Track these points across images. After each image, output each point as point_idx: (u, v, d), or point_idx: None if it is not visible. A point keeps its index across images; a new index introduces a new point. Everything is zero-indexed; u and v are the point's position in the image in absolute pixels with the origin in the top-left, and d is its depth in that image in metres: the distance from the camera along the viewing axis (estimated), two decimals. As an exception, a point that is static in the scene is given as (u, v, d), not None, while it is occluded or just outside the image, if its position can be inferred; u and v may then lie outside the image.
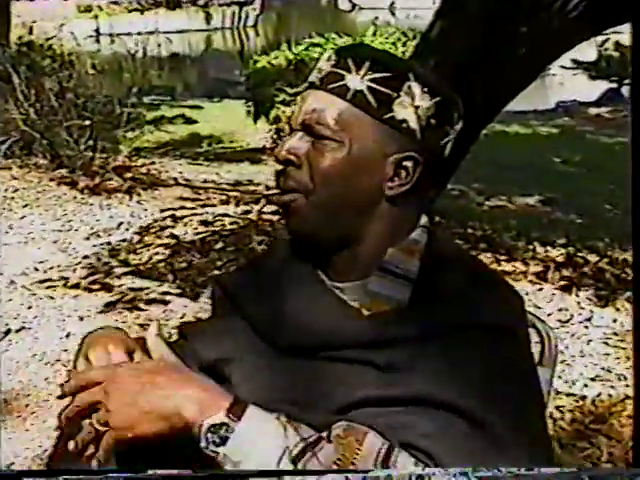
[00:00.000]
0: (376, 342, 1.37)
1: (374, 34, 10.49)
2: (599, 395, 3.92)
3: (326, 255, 1.46)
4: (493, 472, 1.30)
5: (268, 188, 7.54)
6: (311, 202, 1.42)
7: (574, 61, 14.94)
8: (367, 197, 1.41)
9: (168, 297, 5.06)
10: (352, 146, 1.39)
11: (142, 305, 4.96)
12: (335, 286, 1.45)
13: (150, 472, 1.37)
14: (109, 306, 4.93)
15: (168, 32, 21.68)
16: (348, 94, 1.39)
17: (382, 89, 1.38)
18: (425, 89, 1.39)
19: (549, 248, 5.88)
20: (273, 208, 6.58)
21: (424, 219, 1.48)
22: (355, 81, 1.39)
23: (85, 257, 5.75)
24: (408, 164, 1.40)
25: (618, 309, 4.79)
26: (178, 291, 5.14)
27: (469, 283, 1.42)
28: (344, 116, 1.39)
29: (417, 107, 1.38)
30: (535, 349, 1.67)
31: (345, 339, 1.39)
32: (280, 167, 1.46)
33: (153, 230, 6.28)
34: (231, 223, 6.33)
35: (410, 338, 1.37)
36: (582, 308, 4.91)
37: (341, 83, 1.40)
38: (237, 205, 6.88)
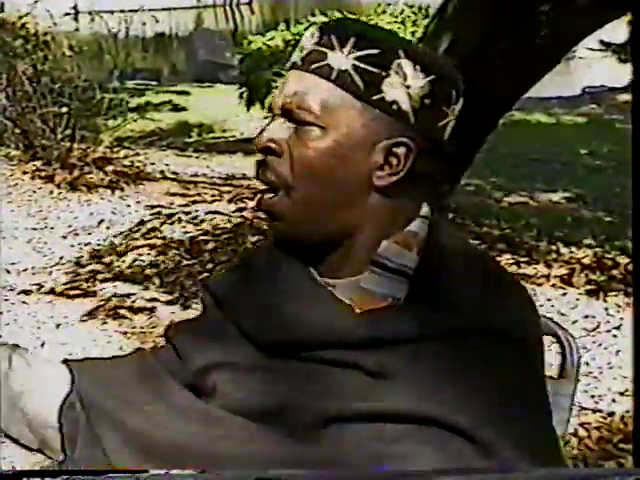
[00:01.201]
0: (367, 342, 1.37)
1: (382, 12, 10.51)
2: (628, 411, 3.93)
3: (315, 251, 1.46)
4: (494, 474, 1.31)
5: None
6: (293, 200, 1.41)
7: (602, 42, 14.94)
8: (354, 189, 1.40)
9: (154, 303, 5.07)
10: (337, 132, 1.38)
11: (125, 312, 4.97)
12: (327, 283, 1.45)
13: (150, 472, 1.40)
14: (89, 313, 4.95)
15: (154, 9, 21.66)
16: (332, 74, 1.37)
17: (369, 68, 1.36)
18: (417, 67, 1.37)
19: (574, 249, 5.89)
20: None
21: (425, 209, 1.46)
22: (339, 59, 1.37)
23: (62, 258, 5.77)
24: (399, 151, 1.38)
25: (650, 316, 4.81)
26: (165, 297, 5.15)
27: (474, 282, 1.42)
28: (328, 99, 1.38)
29: (408, 87, 1.36)
30: (556, 360, 1.67)
31: (335, 337, 1.39)
32: (260, 156, 1.44)
33: (137, 229, 6.30)
34: (223, 221, 6.34)
35: (404, 340, 1.36)
36: (610, 315, 4.92)
37: (324, 62, 1.38)
38: (230, 201, 6.90)
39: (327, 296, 1.44)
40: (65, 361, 1.58)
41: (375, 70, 1.36)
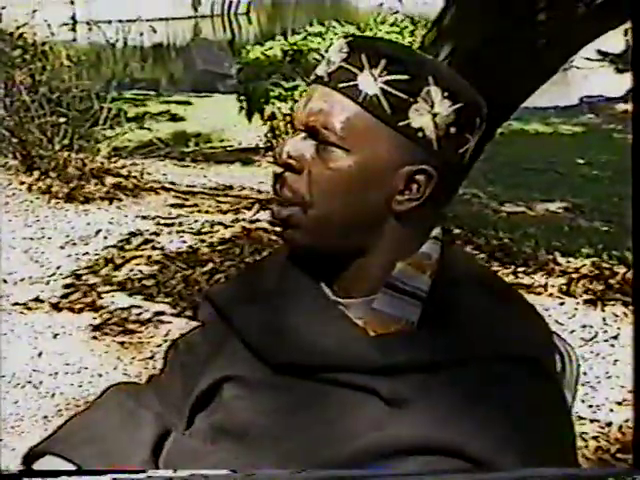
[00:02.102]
0: (381, 368, 1.36)
1: (380, 22, 10.52)
2: (626, 421, 3.93)
3: (328, 268, 1.45)
4: (497, 474, 1.30)
5: (262, 192, 7.55)
6: (309, 217, 1.40)
7: (600, 52, 14.98)
8: (372, 212, 1.39)
9: (152, 314, 5.07)
10: (360, 156, 1.36)
11: (123, 323, 4.96)
12: (339, 302, 1.44)
13: (150, 472, 1.39)
14: (87, 323, 4.94)
15: (151, 20, 21.70)
16: (360, 97, 1.36)
17: (398, 93, 1.35)
18: (446, 94, 1.36)
19: (572, 259, 5.89)
20: (268, 215, 6.59)
21: (436, 230, 1.45)
22: (368, 82, 1.36)
23: (59, 268, 5.76)
24: (421, 178, 1.37)
25: (648, 326, 4.80)
26: (163, 307, 5.15)
27: (488, 305, 1.41)
28: (353, 121, 1.36)
29: (435, 115, 1.35)
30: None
31: (348, 360, 1.38)
32: (279, 170, 1.43)
33: (135, 239, 6.29)
34: (222, 231, 6.34)
35: (417, 366, 1.35)
36: (608, 325, 4.92)
37: (353, 83, 1.37)
38: (228, 211, 6.89)
39: (340, 316, 1.43)
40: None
41: (404, 96, 1.35)
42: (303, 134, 1.41)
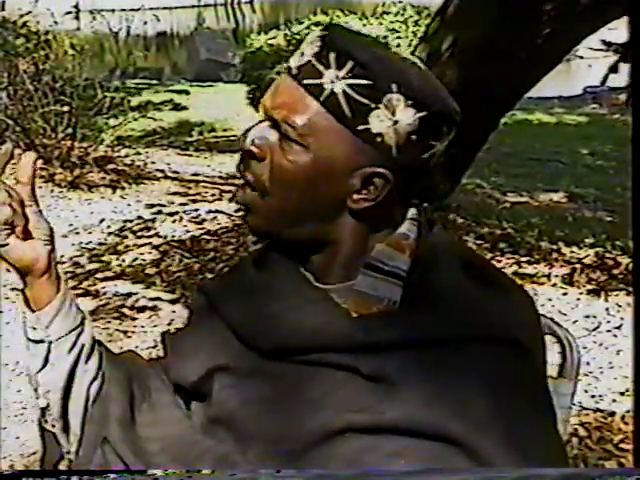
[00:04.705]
0: (363, 346, 1.37)
1: (385, 12, 10.51)
2: (629, 411, 3.93)
3: (303, 256, 1.47)
4: (498, 472, 1.30)
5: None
6: (266, 203, 1.42)
7: (604, 42, 14.92)
8: (328, 207, 1.41)
9: (155, 302, 5.07)
10: (317, 154, 1.37)
11: (126, 311, 4.97)
12: (321, 287, 1.46)
13: (150, 472, 1.40)
14: (90, 312, 4.94)
15: (155, 8, 21.69)
16: (322, 94, 1.36)
17: (359, 98, 1.35)
18: (410, 102, 1.35)
19: (575, 249, 5.89)
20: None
21: (412, 211, 1.47)
22: (332, 82, 1.36)
23: (62, 257, 5.76)
24: (377, 180, 1.38)
25: (652, 316, 4.80)
26: (166, 296, 5.15)
27: (469, 283, 1.42)
28: (314, 120, 1.37)
29: (396, 122, 1.35)
30: (556, 360, 1.67)
31: (332, 340, 1.40)
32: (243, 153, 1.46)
33: (138, 228, 6.30)
34: (224, 220, 6.34)
35: (399, 344, 1.36)
36: (611, 315, 4.92)
37: (317, 81, 1.37)
38: (231, 200, 6.89)
39: (323, 298, 1.44)
40: None
41: (365, 101, 1.35)
42: (268, 122, 1.42)
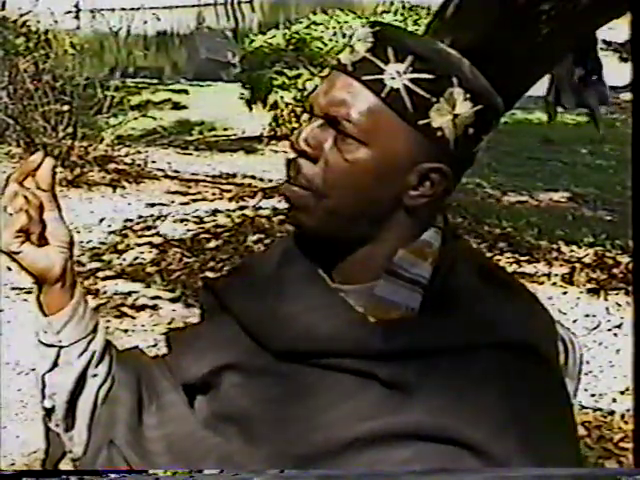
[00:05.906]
0: (381, 352, 1.36)
1: (383, 12, 10.51)
2: (629, 410, 3.93)
3: (331, 255, 1.44)
4: (507, 472, 1.30)
5: (265, 181, 7.55)
6: (321, 205, 1.38)
7: (603, 41, 14.93)
8: (385, 205, 1.39)
9: (156, 301, 5.07)
10: (377, 150, 1.35)
11: (127, 310, 4.97)
12: (339, 289, 1.43)
13: (150, 472, 1.40)
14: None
15: (155, 8, 21.68)
16: (383, 91, 1.34)
17: (421, 92, 1.33)
18: (468, 95, 1.35)
19: (575, 248, 5.89)
20: (270, 203, 6.60)
21: (438, 218, 1.45)
22: (393, 77, 1.34)
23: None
24: (435, 176, 1.36)
25: (651, 315, 4.80)
26: (167, 294, 5.15)
27: (489, 294, 1.41)
28: (374, 115, 1.34)
29: (456, 116, 1.34)
30: (557, 359, 1.67)
31: (348, 346, 1.38)
32: (293, 155, 1.40)
33: (138, 227, 6.30)
34: (225, 219, 6.34)
35: (418, 351, 1.35)
36: (611, 314, 4.92)
37: (377, 77, 1.34)
38: (231, 199, 6.90)
39: (340, 302, 1.42)
40: None
41: (427, 95, 1.33)
42: (321, 121, 1.39)
